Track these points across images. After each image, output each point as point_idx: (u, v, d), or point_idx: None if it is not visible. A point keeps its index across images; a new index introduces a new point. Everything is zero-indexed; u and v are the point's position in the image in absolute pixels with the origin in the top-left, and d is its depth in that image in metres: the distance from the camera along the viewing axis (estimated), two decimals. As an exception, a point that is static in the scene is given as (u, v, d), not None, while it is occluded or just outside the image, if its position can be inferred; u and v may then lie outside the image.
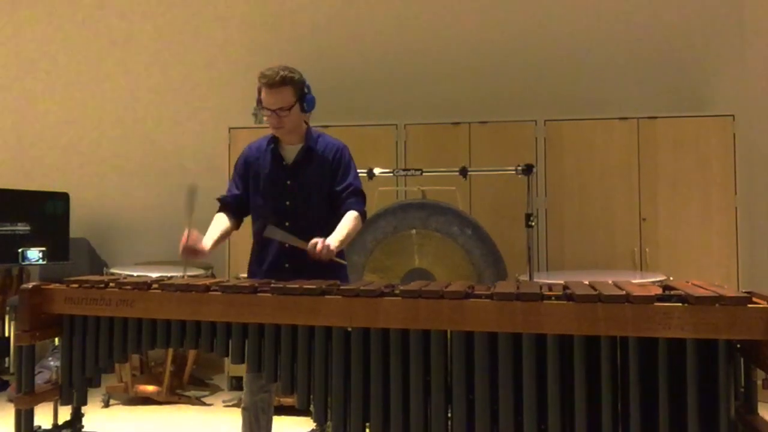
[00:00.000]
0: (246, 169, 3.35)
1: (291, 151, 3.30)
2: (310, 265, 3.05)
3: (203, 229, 3.20)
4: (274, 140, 3.32)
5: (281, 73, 3.12)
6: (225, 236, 3.30)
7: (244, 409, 3.24)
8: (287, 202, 3.24)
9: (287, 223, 3.21)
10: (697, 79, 5.74)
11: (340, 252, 3.18)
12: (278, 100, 3.14)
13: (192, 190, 3.14)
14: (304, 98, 3.21)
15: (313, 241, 3.02)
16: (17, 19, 6.69)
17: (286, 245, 3.17)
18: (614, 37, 5.87)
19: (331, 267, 3.11)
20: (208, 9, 6.45)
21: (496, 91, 5.92)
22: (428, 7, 6.15)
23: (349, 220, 3.17)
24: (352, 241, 3.38)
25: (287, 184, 3.25)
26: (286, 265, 3.19)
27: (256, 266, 3.32)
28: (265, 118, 3.26)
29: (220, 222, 3.32)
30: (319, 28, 6.25)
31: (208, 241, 3.19)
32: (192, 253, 3.13)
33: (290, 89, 3.15)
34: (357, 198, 3.26)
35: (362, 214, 3.26)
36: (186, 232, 3.10)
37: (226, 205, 3.38)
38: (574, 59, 5.90)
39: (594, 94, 5.82)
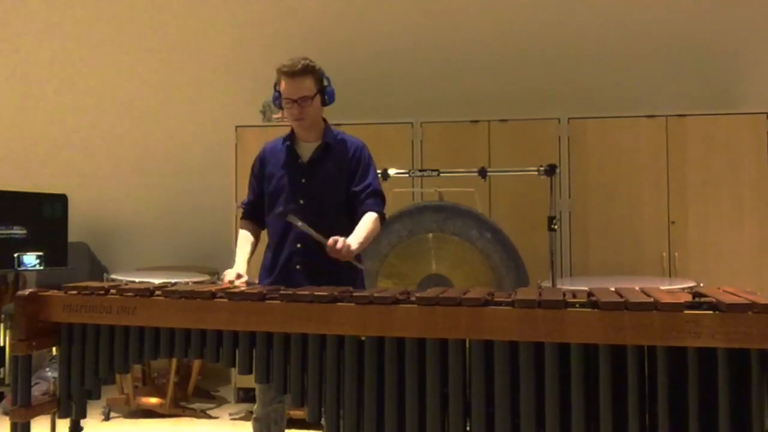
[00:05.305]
0: (262, 169, 3.41)
1: (307, 149, 3.34)
2: (322, 269, 3.10)
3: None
4: (290, 138, 3.36)
5: (302, 62, 3.20)
6: (253, 251, 3.41)
7: (255, 420, 3.27)
8: (300, 201, 3.27)
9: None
10: (728, 75, 5.71)
11: (358, 255, 3.20)
12: (300, 89, 3.20)
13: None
14: (324, 90, 3.30)
15: (334, 238, 3.05)
16: (16, 18, 6.74)
17: (298, 245, 3.21)
18: (642, 31, 5.85)
19: (346, 272, 3.14)
20: (215, 5, 6.48)
21: (517, 88, 5.91)
22: (444, 1, 6.15)
23: (368, 222, 3.21)
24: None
25: (302, 183, 3.29)
26: (298, 267, 3.23)
27: (265, 273, 3.34)
28: (280, 114, 3.28)
29: (244, 240, 3.41)
30: (332, 24, 6.27)
31: (242, 267, 3.28)
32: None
33: (312, 78, 3.23)
34: (376, 199, 3.30)
35: (382, 216, 3.30)
36: (233, 274, 3.19)
37: (247, 212, 3.46)
38: (600, 54, 5.88)
39: (620, 90, 5.80)
